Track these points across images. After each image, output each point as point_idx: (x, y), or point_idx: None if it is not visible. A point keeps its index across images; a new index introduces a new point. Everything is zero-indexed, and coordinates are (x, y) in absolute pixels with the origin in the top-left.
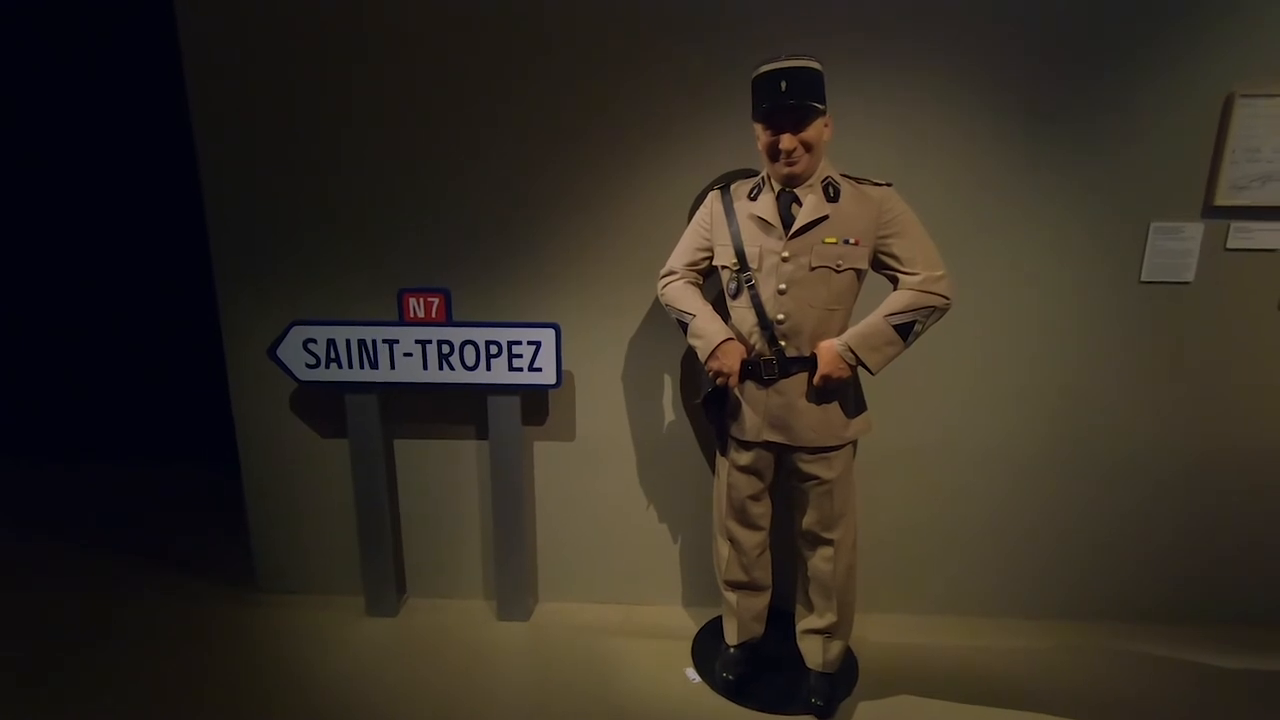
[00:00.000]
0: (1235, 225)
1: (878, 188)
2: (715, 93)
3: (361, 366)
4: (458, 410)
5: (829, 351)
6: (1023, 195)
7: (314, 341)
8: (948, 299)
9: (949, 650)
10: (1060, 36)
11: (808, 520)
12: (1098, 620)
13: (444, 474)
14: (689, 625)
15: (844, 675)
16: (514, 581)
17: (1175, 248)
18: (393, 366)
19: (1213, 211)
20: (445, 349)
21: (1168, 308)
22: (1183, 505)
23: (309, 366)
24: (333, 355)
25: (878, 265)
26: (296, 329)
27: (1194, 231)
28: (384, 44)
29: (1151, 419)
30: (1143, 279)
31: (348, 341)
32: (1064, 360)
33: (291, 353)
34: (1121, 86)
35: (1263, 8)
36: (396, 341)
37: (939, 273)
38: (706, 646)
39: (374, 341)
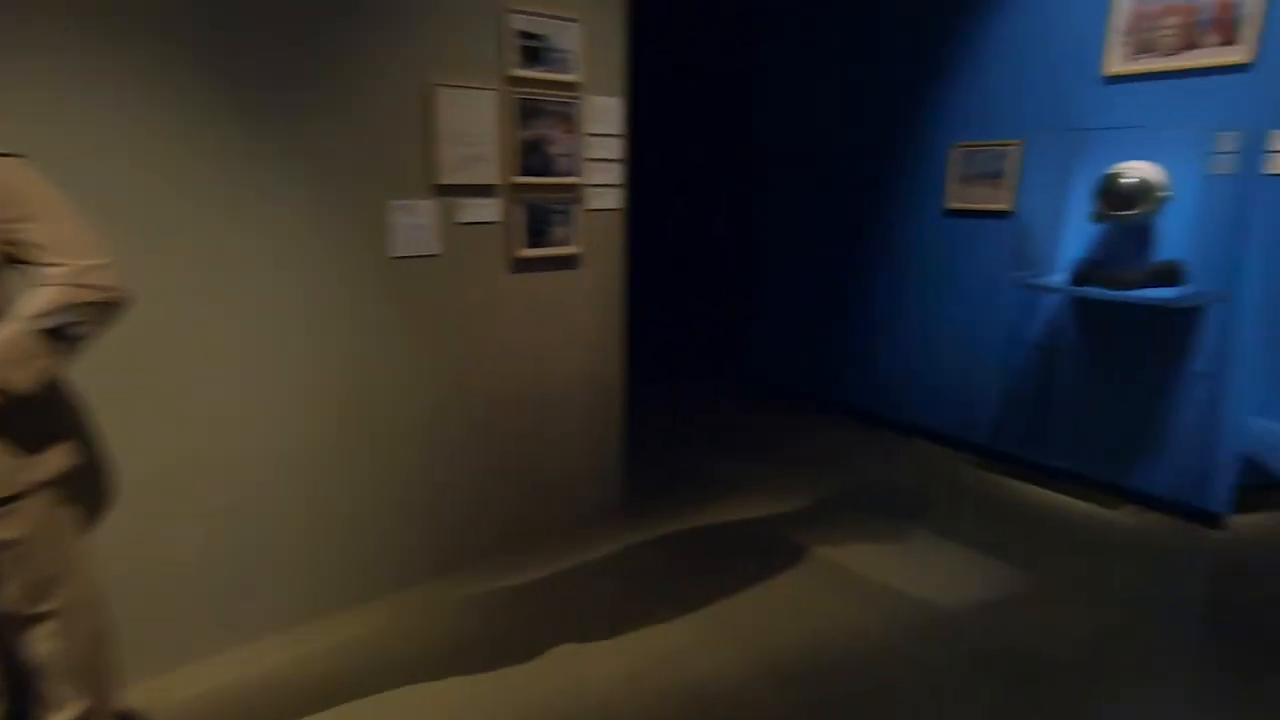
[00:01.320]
0: (460, 201)
1: None
2: None
3: None
4: None
5: None
6: (267, 184)
7: None
8: (113, 289)
9: (278, 670)
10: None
11: (6, 600)
12: (422, 583)
13: None
14: None
15: None
16: None
17: (417, 223)
18: None
19: (439, 190)
20: None
21: (423, 279)
22: (466, 457)
23: None
24: None
25: (10, 259)
26: None
27: (428, 208)
28: None
29: (428, 383)
30: (394, 254)
31: None
32: (338, 343)
33: None
34: (336, 68)
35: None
36: None
37: (94, 261)
38: None
39: None
